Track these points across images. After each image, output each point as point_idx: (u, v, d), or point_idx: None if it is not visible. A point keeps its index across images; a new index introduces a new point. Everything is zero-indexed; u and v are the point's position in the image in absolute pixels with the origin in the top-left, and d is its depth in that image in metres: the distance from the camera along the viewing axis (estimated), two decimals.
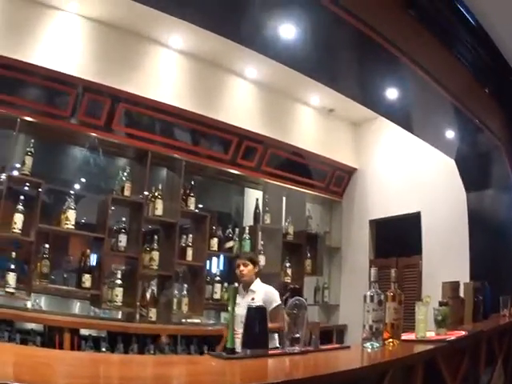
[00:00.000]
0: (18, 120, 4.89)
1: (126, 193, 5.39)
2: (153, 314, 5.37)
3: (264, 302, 3.85)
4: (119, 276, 5.28)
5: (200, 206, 5.81)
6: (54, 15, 5.02)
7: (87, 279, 5.12)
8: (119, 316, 5.57)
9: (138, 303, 5.36)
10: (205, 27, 3.97)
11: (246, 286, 4.25)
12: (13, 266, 4.78)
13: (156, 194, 5.55)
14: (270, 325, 3.65)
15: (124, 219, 5.42)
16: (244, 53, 5.58)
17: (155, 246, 5.49)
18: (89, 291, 5.15)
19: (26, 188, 5.47)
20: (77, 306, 5.55)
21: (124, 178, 5.41)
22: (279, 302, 4.04)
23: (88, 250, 5.33)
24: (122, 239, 5.32)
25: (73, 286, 5.36)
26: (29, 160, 4.99)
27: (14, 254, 4.88)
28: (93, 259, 5.36)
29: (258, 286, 4.25)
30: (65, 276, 5.72)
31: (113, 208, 5.33)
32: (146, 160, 5.45)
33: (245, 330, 2.90)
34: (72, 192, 5.34)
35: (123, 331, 4.99)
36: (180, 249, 5.63)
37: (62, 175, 5.84)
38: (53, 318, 4.80)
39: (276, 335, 4.00)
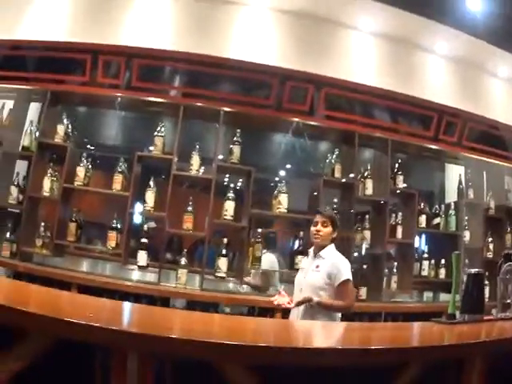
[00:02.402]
0: (222, 112, 5.15)
1: (337, 174, 5.49)
2: (363, 292, 5.44)
3: (329, 273, 3.45)
4: None
5: (404, 184, 5.81)
6: (240, 10, 5.44)
7: (300, 261, 5.27)
8: None
9: None
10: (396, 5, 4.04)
11: (317, 250, 3.61)
12: (224, 252, 5.04)
13: (365, 174, 5.61)
14: (333, 303, 3.40)
15: (335, 200, 5.53)
16: (433, 29, 5.62)
17: (366, 225, 5.57)
18: None
19: (235, 176, 5.73)
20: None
21: (333, 161, 5.50)
22: (348, 276, 3.47)
23: (301, 233, 5.48)
24: None
25: (285, 267, 5.56)
26: (236, 149, 5.21)
27: (225, 240, 5.13)
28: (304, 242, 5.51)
29: (328, 253, 3.58)
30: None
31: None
32: (352, 141, 5.52)
33: (463, 297, 3.06)
34: (281, 177, 5.53)
35: None
36: (390, 227, 5.66)
37: (269, 162, 6.05)
38: (267, 300, 4.98)
39: (339, 315, 3.50)
